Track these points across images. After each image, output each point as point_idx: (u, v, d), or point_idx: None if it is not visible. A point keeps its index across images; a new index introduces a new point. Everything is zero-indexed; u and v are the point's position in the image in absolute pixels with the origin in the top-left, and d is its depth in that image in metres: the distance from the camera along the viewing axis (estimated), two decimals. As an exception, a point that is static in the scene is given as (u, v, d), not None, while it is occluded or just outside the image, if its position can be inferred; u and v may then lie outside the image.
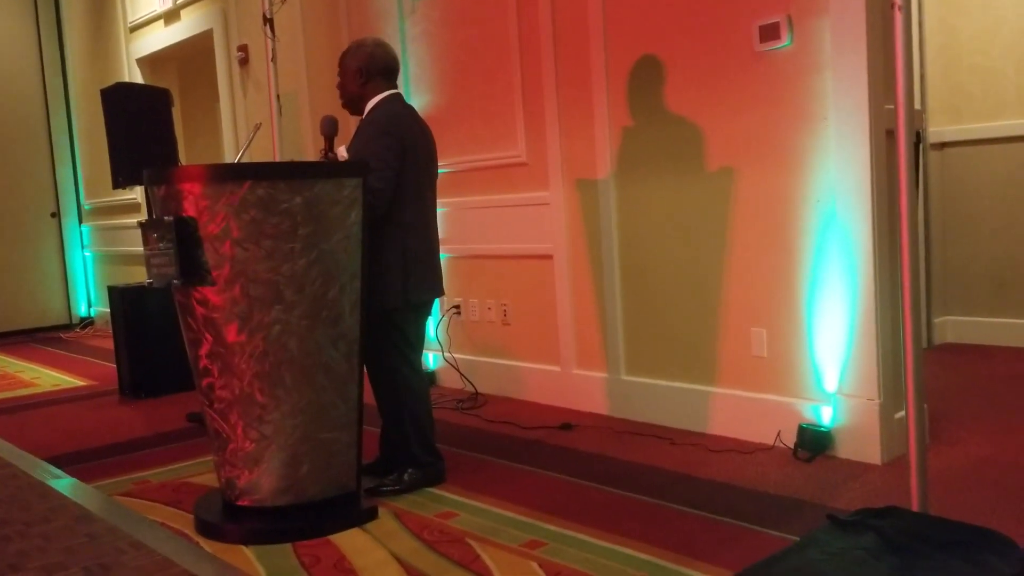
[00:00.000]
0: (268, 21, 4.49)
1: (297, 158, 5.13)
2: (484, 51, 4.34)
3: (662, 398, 3.69)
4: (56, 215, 8.41)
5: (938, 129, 4.92)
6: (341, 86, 3.17)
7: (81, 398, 5.11)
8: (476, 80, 4.40)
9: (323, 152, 3.01)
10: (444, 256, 4.34)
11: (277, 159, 4.67)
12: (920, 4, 4.79)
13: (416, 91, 4.70)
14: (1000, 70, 4.73)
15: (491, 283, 4.47)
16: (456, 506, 2.88)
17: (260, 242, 2.56)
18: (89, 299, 8.58)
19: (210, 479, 3.19)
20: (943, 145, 4.95)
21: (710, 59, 3.39)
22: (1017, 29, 4.65)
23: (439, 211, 4.41)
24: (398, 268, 3.00)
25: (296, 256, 2.60)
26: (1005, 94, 4.72)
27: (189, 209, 2.57)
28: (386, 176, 2.90)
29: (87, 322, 8.39)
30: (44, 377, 5.89)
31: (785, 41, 3.15)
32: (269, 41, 4.52)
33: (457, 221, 4.53)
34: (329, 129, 3.02)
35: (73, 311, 8.53)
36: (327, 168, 2.78)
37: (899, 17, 2.21)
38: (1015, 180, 4.73)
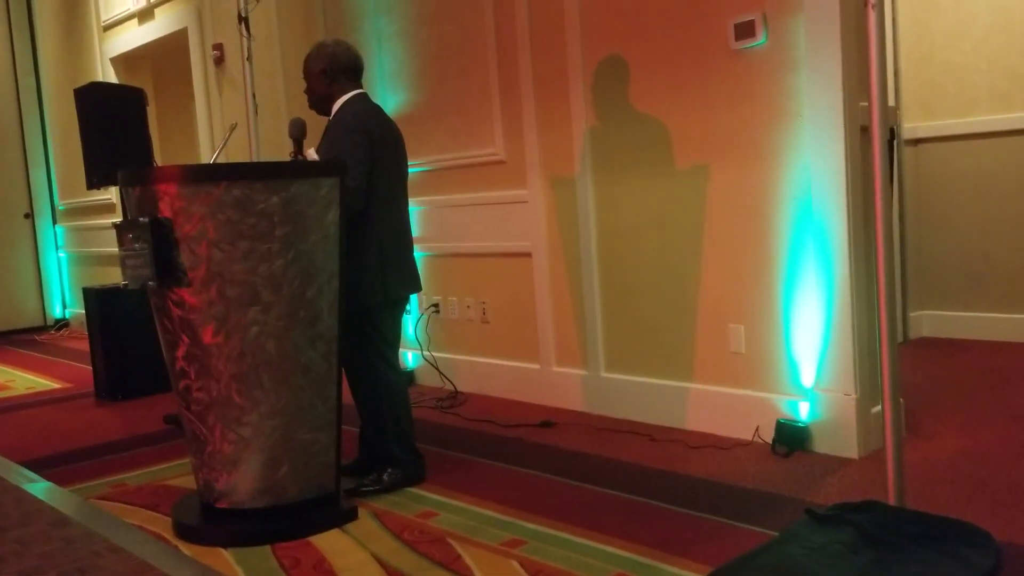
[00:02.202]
0: (243, 20, 4.47)
1: (275, 158, 5.10)
2: (461, 49, 4.33)
3: (641, 395, 3.70)
4: (30, 216, 8.31)
5: (912, 125, 4.96)
6: (308, 90, 3.17)
7: (56, 400, 5.06)
8: (453, 78, 4.39)
9: (292, 155, 2.99)
10: (423, 255, 4.33)
11: (253, 159, 4.64)
12: (893, 1, 4.83)
13: (393, 89, 4.68)
14: (972, 66, 4.78)
15: (470, 281, 4.46)
16: (436, 505, 2.88)
17: (237, 243, 2.55)
18: (64, 300, 8.49)
19: (188, 481, 3.17)
20: (917, 141, 4.99)
21: (687, 57, 3.40)
22: (988, 25, 4.70)
23: (417, 209, 4.42)
24: (375, 264, 3.01)
25: (273, 257, 2.58)
26: (977, 90, 4.77)
27: (165, 210, 2.55)
28: (359, 173, 2.91)
29: (62, 324, 8.30)
30: (18, 380, 5.83)
31: (760, 39, 3.17)
32: (244, 40, 4.49)
33: (436, 220, 4.52)
34: (297, 131, 2.99)
35: (48, 313, 8.44)
36: (304, 168, 2.76)
37: (872, 15, 2.23)
38: (988, 175, 4.79)
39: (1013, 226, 4.72)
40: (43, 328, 8.33)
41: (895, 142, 4.78)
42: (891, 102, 4.77)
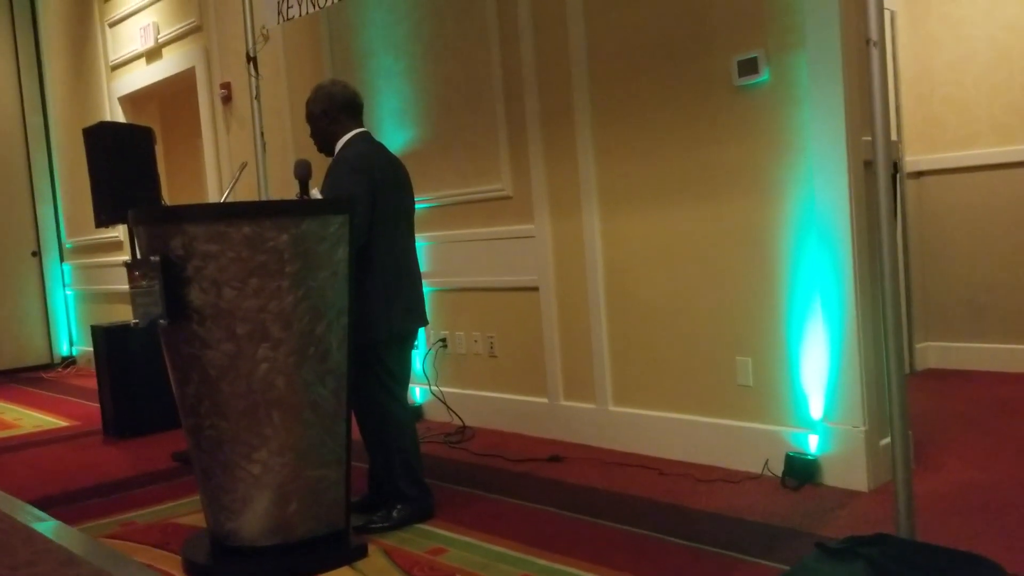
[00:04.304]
0: (251, 59, 4.53)
1: (283, 196, 5.14)
2: (467, 86, 4.38)
3: (650, 428, 3.70)
4: (37, 254, 8.36)
5: (914, 158, 5.00)
6: (312, 133, 3.23)
7: (64, 439, 5.05)
8: (460, 114, 4.44)
9: (298, 196, 3.02)
10: (430, 289, 4.36)
11: (262, 197, 4.68)
12: (894, 37, 4.89)
13: (400, 126, 4.73)
14: (973, 100, 4.83)
15: (477, 316, 4.48)
16: (446, 541, 2.87)
17: (247, 280, 2.57)
18: (71, 338, 8.51)
19: (198, 519, 3.16)
20: (920, 174, 5.03)
21: (691, 93, 3.45)
22: (988, 60, 4.76)
23: (425, 244, 4.45)
24: (380, 300, 3.02)
25: (283, 293, 2.60)
26: (978, 123, 4.82)
27: (175, 248, 2.57)
28: (360, 212, 2.93)
29: (69, 361, 8.31)
30: (26, 418, 5.83)
31: (763, 76, 3.21)
32: (252, 79, 4.55)
33: (443, 254, 4.55)
34: (303, 172, 3.03)
35: (55, 350, 8.46)
36: (313, 206, 2.79)
37: (874, 53, 2.27)
38: (990, 207, 4.82)
39: (1016, 257, 4.74)
40: (50, 366, 8.34)
41: (898, 175, 4.81)
42: (893, 136, 4.81)
